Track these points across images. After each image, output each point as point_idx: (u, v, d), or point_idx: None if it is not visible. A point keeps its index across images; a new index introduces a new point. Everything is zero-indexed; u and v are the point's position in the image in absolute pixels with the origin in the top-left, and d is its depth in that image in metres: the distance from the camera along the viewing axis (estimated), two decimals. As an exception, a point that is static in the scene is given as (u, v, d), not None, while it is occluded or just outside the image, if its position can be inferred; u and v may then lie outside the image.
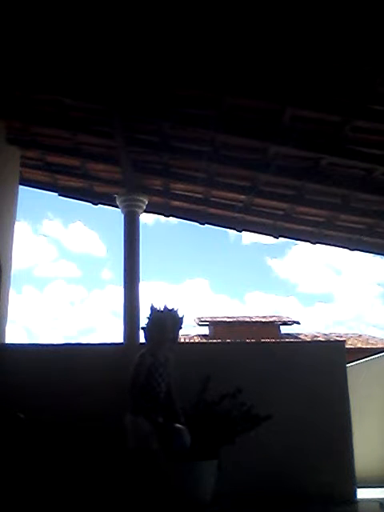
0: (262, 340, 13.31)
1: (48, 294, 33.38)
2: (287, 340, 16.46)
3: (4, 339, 7.73)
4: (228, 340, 12.47)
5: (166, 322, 4.32)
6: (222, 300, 31.45)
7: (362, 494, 6.52)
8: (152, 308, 4.41)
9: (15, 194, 8.60)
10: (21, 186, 8.81)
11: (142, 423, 4.10)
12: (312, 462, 6.31)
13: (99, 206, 8.88)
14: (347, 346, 7.93)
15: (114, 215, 8.11)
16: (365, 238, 8.03)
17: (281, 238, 8.64)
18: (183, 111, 6.03)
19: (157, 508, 4.06)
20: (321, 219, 7.89)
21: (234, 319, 19.28)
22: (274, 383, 6.49)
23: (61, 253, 36.79)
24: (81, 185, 8.73)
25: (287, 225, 8.20)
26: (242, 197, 7.72)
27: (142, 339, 7.21)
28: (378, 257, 8.79)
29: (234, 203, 7.99)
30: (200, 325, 18.92)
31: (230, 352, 6.88)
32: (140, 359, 4.26)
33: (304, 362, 6.76)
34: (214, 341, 15.57)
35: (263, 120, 5.80)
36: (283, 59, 4.81)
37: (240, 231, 8.69)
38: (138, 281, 7.32)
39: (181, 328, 7.56)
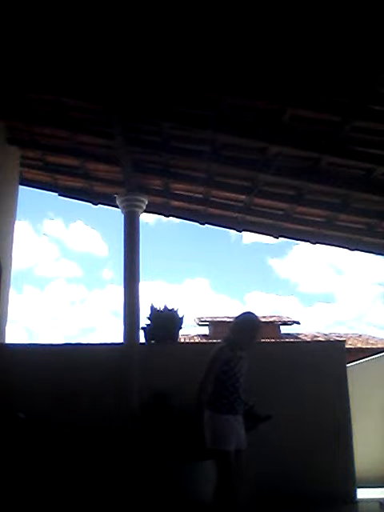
0: (262, 340, 13.29)
1: (48, 294, 33.37)
2: (287, 340, 16.43)
3: (4, 339, 7.74)
4: (228, 340, 12.44)
5: (257, 329, 4.19)
6: (222, 300, 31.42)
7: (362, 494, 6.52)
8: (246, 313, 4.24)
9: (15, 193, 8.62)
10: (21, 186, 8.82)
11: (219, 421, 3.86)
12: (312, 461, 6.31)
13: (99, 205, 8.90)
14: (347, 346, 7.92)
15: (115, 214, 8.15)
16: (365, 238, 8.02)
17: (281, 238, 8.65)
18: (183, 111, 6.03)
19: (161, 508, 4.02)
20: (321, 219, 7.88)
21: (234, 319, 19.25)
22: (274, 383, 6.49)
23: (62, 252, 36.81)
24: (81, 185, 8.73)
25: (287, 225, 8.20)
26: (242, 197, 7.72)
27: (142, 339, 7.26)
28: (379, 257, 8.74)
29: (234, 203, 7.99)
30: (200, 325, 18.88)
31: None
32: (218, 353, 3.99)
33: (304, 362, 6.77)
34: (214, 341, 15.55)
35: (263, 120, 5.80)
36: (283, 59, 4.81)
37: (240, 231, 8.69)
38: (138, 281, 7.33)
39: (181, 328, 7.62)
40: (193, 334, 19.24)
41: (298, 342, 15.23)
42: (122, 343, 6.99)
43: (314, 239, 8.46)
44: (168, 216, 8.79)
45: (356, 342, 18.38)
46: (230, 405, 3.92)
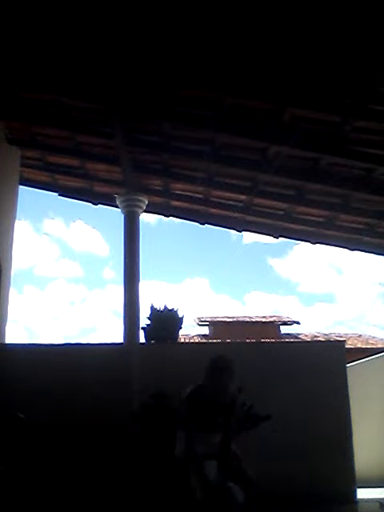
0: (262, 340, 13.28)
1: (49, 294, 33.36)
2: (287, 340, 16.43)
3: (4, 339, 7.74)
4: (228, 340, 12.45)
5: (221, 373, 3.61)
6: (222, 300, 31.42)
7: (362, 494, 6.52)
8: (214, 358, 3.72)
9: (15, 193, 8.62)
10: (21, 186, 8.82)
11: None
12: (312, 461, 6.31)
13: (99, 205, 8.90)
14: (347, 346, 7.93)
15: (116, 214, 8.18)
16: (365, 238, 8.04)
17: (281, 238, 8.65)
18: (183, 111, 6.03)
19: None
20: (321, 219, 7.89)
21: (234, 319, 19.25)
22: (274, 383, 6.48)
23: (63, 252, 36.72)
24: (81, 185, 8.73)
25: (287, 225, 8.21)
26: (242, 197, 7.72)
27: (142, 339, 7.26)
28: (379, 257, 8.76)
29: (234, 203, 8.00)
30: (200, 325, 18.87)
31: (230, 352, 6.87)
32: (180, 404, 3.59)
33: (304, 362, 6.76)
34: (214, 341, 15.55)
35: (263, 120, 5.80)
36: (283, 59, 4.81)
37: (240, 231, 8.70)
38: (138, 281, 7.33)
39: (181, 328, 7.62)
40: (193, 334, 19.24)
41: (297, 341, 15.22)
42: (122, 343, 6.99)
43: (313, 239, 8.47)
44: (168, 216, 8.79)
45: (356, 342, 18.38)
46: None
